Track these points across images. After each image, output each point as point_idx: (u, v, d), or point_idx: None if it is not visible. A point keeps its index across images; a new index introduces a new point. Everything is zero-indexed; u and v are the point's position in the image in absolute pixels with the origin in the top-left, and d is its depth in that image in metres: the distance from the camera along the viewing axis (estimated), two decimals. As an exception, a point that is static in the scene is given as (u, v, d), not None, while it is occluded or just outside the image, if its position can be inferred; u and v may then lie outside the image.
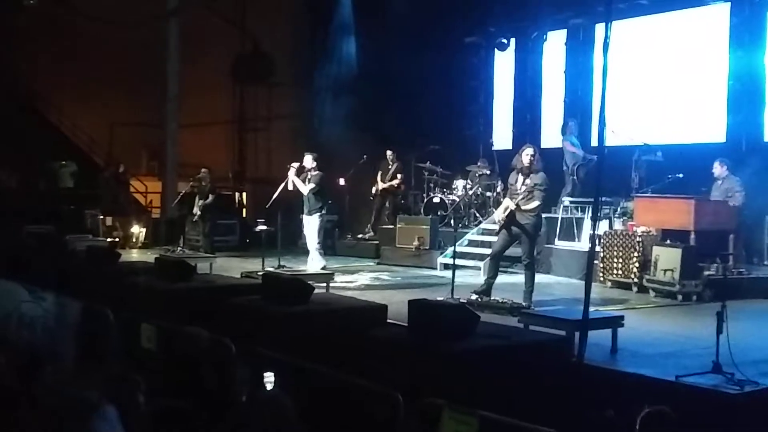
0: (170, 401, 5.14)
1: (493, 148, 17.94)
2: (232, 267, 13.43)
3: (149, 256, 14.06)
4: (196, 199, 15.97)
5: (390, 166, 16.84)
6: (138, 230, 17.92)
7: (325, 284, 10.99)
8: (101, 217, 17.87)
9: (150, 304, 8.84)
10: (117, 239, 17.03)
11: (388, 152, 16.92)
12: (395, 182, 16.80)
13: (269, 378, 5.48)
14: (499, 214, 10.22)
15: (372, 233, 16.81)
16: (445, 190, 16.67)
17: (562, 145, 15.41)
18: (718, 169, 12.28)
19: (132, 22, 19.69)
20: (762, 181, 13.17)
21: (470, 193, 16.15)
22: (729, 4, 14.62)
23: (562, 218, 14.18)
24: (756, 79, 13.89)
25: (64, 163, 21.63)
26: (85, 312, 8.01)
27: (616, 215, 13.53)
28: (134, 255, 15.97)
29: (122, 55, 22.15)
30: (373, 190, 17.03)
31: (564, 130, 15.71)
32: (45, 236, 14.49)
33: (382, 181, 16.82)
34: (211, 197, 15.80)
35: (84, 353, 7.45)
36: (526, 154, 9.98)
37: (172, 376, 6.71)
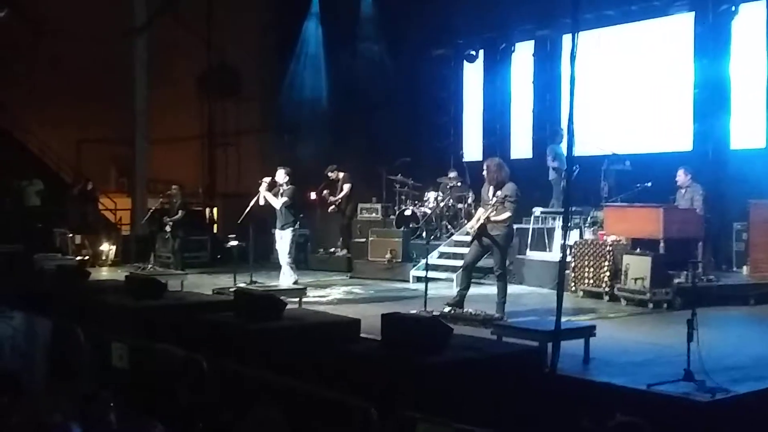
0: (143, 419, 5.11)
1: (463, 160, 18.01)
2: (203, 284, 13.34)
3: (119, 274, 13.94)
4: (165, 217, 15.82)
5: (338, 182, 16.60)
6: (108, 248, 17.76)
7: (297, 299, 10.96)
8: (70, 235, 17.69)
9: (120, 322, 8.75)
10: (86, 257, 16.87)
11: (336, 173, 16.64)
12: (344, 192, 16.50)
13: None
14: (472, 225, 10.26)
15: (344, 249, 16.69)
16: (416, 202, 16.66)
17: (548, 152, 15.14)
18: (681, 177, 12.38)
19: (100, 38, 19.59)
20: (729, 189, 13.34)
21: (441, 205, 16.17)
22: (693, 13, 14.83)
23: (533, 228, 14.23)
24: (721, 88, 14.05)
25: (29, 181, 21.39)
26: (54, 331, 7.94)
27: (587, 225, 13.60)
28: (104, 273, 15.82)
29: (91, 71, 22.00)
30: (331, 209, 16.81)
31: (555, 138, 15.28)
32: (13, 255, 14.33)
33: (333, 196, 16.61)
34: (180, 213, 15.69)
35: (54, 372, 7.38)
36: (485, 167, 10.09)
37: (145, 394, 6.67)
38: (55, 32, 19.87)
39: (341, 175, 16.50)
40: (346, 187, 16.46)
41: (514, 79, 18.33)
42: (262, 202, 12.54)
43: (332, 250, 16.92)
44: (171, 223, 15.56)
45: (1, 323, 8.31)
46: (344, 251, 16.59)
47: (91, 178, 21.18)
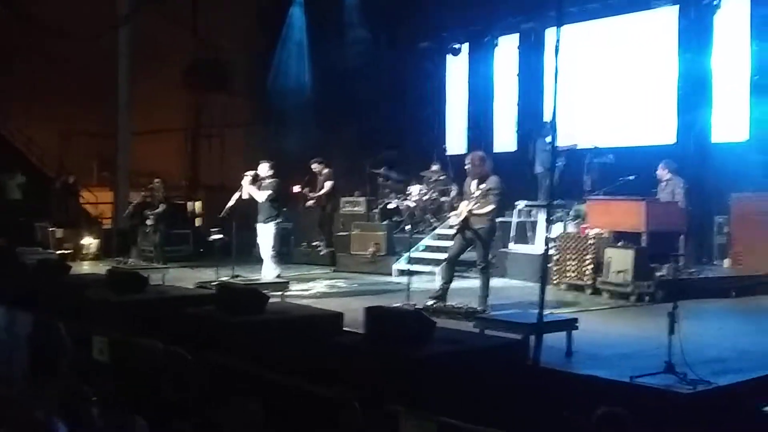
0: (125, 413, 5.08)
1: (446, 153, 17.99)
2: (185, 277, 13.26)
3: (101, 268, 13.88)
4: (147, 210, 15.74)
5: (320, 176, 16.33)
6: (89, 242, 17.64)
7: (280, 293, 10.91)
8: (51, 229, 17.58)
9: (102, 316, 8.72)
10: (68, 251, 16.75)
11: (320, 166, 16.26)
12: (325, 190, 16.22)
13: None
14: (455, 219, 10.26)
15: (325, 246, 16.54)
16: (400, 195, 16.62)
17: (537, 146, 15.02)
18: (660, 171, 12.46)
19: (84, 30, 19.44)
20: (711, 182, 13.40)
21: (425, 198, 16.15)
22: (677, 7, 14.87)
23: (516, 222, 14.24)
24: (704, 81, 14.11)
25: (10, 175, 21.24)
26: (36, 325, 7.90)
27: (569, 218, 13.60)
28: (86, 267, 15.73)
29: (74, 64, 21.84)
30: (309, 203, 16.47)
31: (542, 132, 15.06)
32: (-6, 249, 14.22)
33: (312, 192, 16.33)
34: (162, 207, 15.63)
35: (36, 366, 7.34)
36: (468, 161, 10.09)
37: (127, 388, 6.65)
38: (40, 25, 19.70)
39: (325, 170, 16.36)
40: (328, 184, 16.21)
41: (498, 73, 18.32)
42: (245, 196, 12.48)
43: (315, 243, 16.85)
44: (153, 216, 15.48)
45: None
46: (324, 249, 16.41)
47: (73, 172, 21.04)
